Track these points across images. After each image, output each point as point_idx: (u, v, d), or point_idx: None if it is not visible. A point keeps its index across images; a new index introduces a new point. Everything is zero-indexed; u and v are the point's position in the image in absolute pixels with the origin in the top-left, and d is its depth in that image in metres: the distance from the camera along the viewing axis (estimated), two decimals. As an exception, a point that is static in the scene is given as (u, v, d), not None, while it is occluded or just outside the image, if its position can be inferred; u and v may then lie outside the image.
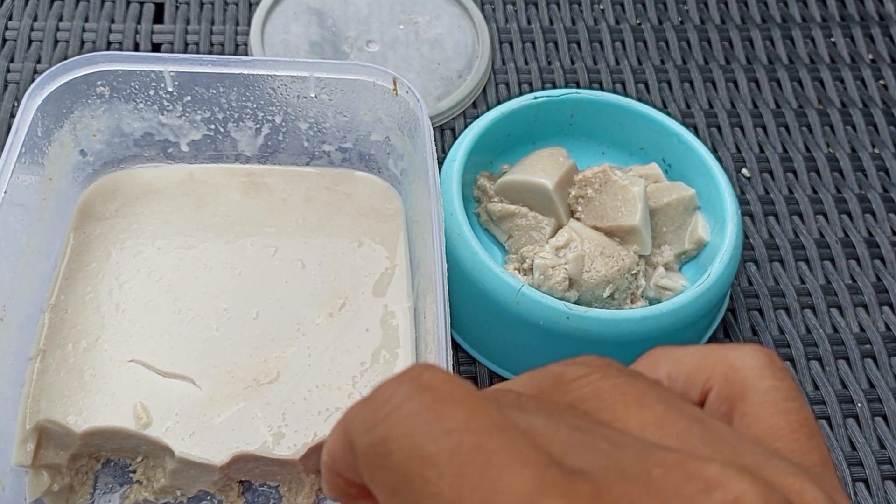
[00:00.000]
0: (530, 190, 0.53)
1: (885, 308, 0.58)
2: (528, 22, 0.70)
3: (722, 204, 0.53)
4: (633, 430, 0.20)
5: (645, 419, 0.20)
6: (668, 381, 0.24)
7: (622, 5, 0.71)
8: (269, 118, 0.53)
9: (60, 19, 0.66)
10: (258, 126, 0.53)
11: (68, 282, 0.49)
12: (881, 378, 0.55)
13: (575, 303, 0.49)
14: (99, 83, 0.50)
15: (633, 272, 0.51)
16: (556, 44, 0.68)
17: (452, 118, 0.63)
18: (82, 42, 0.65)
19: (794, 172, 0.64)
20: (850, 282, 0.59)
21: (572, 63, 0.68)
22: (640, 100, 0.64)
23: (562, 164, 0.54)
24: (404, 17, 0.68)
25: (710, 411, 0.23)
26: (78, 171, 0.52)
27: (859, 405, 0.54)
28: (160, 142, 0.54)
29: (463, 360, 0.54)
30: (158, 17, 0.67)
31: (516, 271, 0.51)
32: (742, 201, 0.62)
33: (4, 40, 0.64)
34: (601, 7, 0.71)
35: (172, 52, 0.65)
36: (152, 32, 0.66)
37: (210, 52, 0.65)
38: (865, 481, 0.51)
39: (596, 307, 0.49)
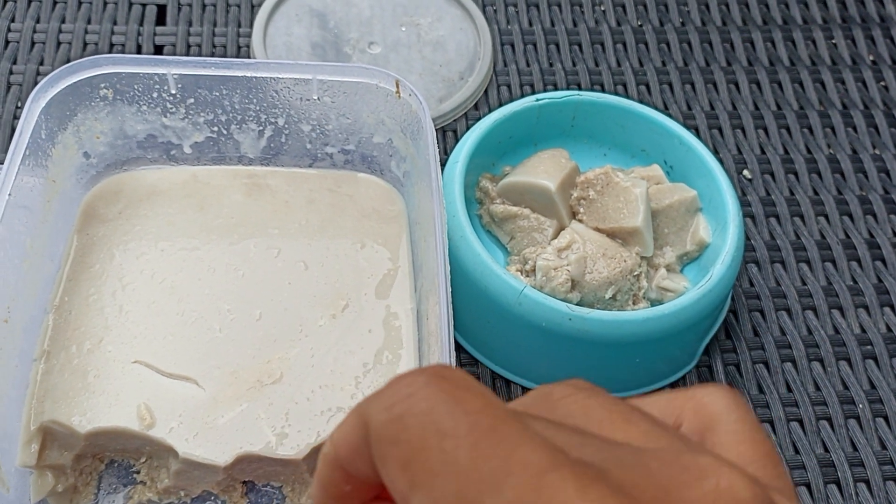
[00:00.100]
0: (532, 191, 0.53)
1: (886, 309, 0.58)
2: (530, 24, 0.70)
3: (723, 205, 0.53)
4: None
5: (631, 434, 0.21)
6: None
7: (623, 7, 0.72)
8: (272, 120, 0.53)
9: (63, 21, 0.66)
10: (261, 128, 0.54)
11: (72, 283, 0.49)
12: (882, 379, 0.55)
13: (577, 304, 0.50)
14: (102, 85, 0.50)
15: (635, 274, 0.52)
16: (557, 45, 0.69)
17: (454, 120, 0.64)
18: (85, 44, 0.65)
19: (796, 174, 0.64)
20: (852, 283, 0.59)
21: (574, 65, 0.68)
22: (641, 101, 0.65)
23: (564, 165, 0.54)
24: (406, 18, 0.68)
25: None
26: (81, 173, 0.53)
27: (860, 406, 0.54)
28: (163, 144, 0.54)
29: (465, 361, 0.54)
30: (161, 19, 0.67)
31: (518, 273, 0.52)
32: (743, 203, 0.62)
33: (7, 42, 0.65)
34: (602, 9, 0.71)
35: (174, 53, 0.65)
36: (154, 34, 0.66)
37: (212, 54, 0.66)
38: (867, 482, 0.51)
39: (598, 309, 0.50)
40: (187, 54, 0.65)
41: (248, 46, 0.66)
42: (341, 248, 0.52)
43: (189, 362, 0.46)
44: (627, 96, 0.66)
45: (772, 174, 0.64)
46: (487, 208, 0.55)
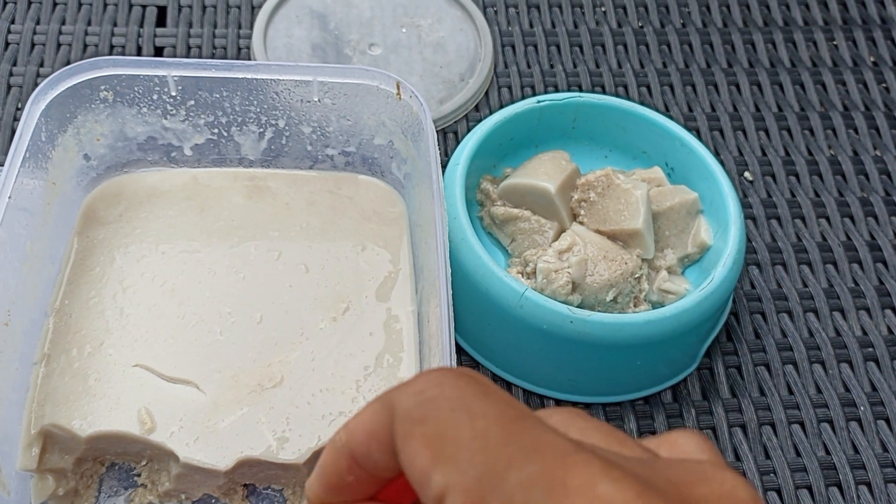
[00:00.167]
0: (533, 194, 0.53)
1: (888, 311, 0.58)
2: (531, 25, 0.70)
3: (724, 207, 0.53)
4: None
5: (627, 454, 0.23)
6: None
7: (624, 9, 0.71)
8: (273, 122, 0.53)
9: (63, 23, 0.66)
10: (261, 130, 0.54)
11: (72, 286, 0.49)
12: (884, 381, 0.55)
13: (578, 307, 0.50)
14: (102, 88, 0.50)
15: (636, 276, 0.51)
16: (558, 47, 0.69)
17: (455, 121, 0.64)
18: (85, 45, 0.65)
19: (797, 176, 0.64)
20: (853, 285, 0.59)
21: (575, 66, 0.68)
22: (642, 103, 0.64)
23: (564, 167, 0.54)
24: (406, 20, 0.68)
25: None
26: (82, 176, 0.52)
27: (862, 408, 0.54)
28: (164, 146, 0.54)
29: (466, 363, 0.54)
30: (161, 21, 0.67)
31: (519, 275, 0.52)
32: (744, 204, 0.62)
33: (7, 44, 0.64)
34: (603, 10, 0.71)
35: (175, 55, 0.65)
36: (155, 36, 0.66)
37: (212, 56, 0.66)
38: (868, 484, 0.51)
39: (599, 311, 0.49)
40: (187, 56, 0.65)
41: (248, 48, 0.66)
42: (342, 250, 0.52)
43: (190, 366, 0.46)
44: (628, 98, 0.66)
45: (773, 176, 0.64)
46: (488, 210, 0.55)
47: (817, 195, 0.63)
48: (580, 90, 0.66)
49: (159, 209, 0.52)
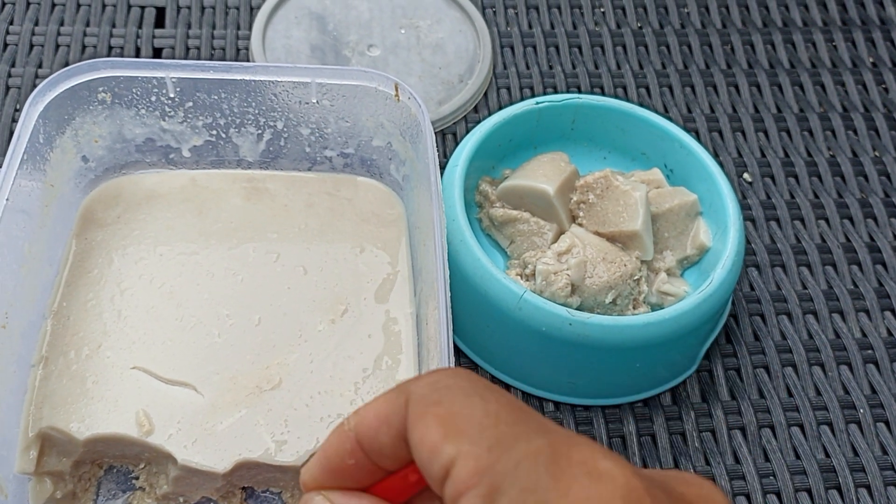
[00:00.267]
0: (532, 195, 0.53)
1: (887, 313, 0.58)
2: (530, 26, 0.70)
3: (724, 209, 0.53)
4: None
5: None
6: None
7: (623, 9, 0.71)
8: (271, 124, 0.53)
9: (61, 24, 0.66)
10: (260, 132, 0.53)
11: (70, 288, 0.49)
12: (883, 384, 0.55)
13: (577, 309, 0.49)
14: (101, 89, 0.50)
15: (636, 278, 0.51)
16: (557, 48, 0.68)
17: (454, 123, 0.63)
18: (83, 47, 0.65)
19: (796, 177, 0.64)
20: (852, 287, 0.59)
21: (574, 68, 0.68)
22: (641, 105, 0.64)
23: (563, 169, 0.54)
24: (405, 21, 0.68)
25: None
26: (80, 177, 0.52)
27: (861, 411, 0.54)
28: (162, 147, 0.54)
29: (465, 365, 0.54)
30: (160, 22, 0.67)
31: (518, 277, 0.51)
32: (744, 206, 0.62)
33: (6, 45, 0.64)
34: (602, 11, 0.71)
35: (173, 56, 0.65)
36: (153, 37, 0.66)
37: (211, 57, 0.65)
38: (868, 487, 0.51)
39: (598, 313, 0.49)
40: (186, 57, 0.65)
41: (247, 49, 0.66)
42: (340, 252, 0.52)
43: (188, 368, 0.46)
44: (627, 99, 0.66)
45: (772, 177, 0.64)
46: (487, 212, 0.55)
47: (816, 196, 0.63)
48: (579, 91, 0.66)
49: (157, 211, 0.52)
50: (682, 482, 0.24)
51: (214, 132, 0.53)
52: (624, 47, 0.69)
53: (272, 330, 0.48)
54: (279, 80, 0.51)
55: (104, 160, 0.53)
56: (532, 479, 0.22)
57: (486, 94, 0.65)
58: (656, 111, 0.65)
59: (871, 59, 0.71)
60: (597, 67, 0.68)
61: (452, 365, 0.42)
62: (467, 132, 0.58)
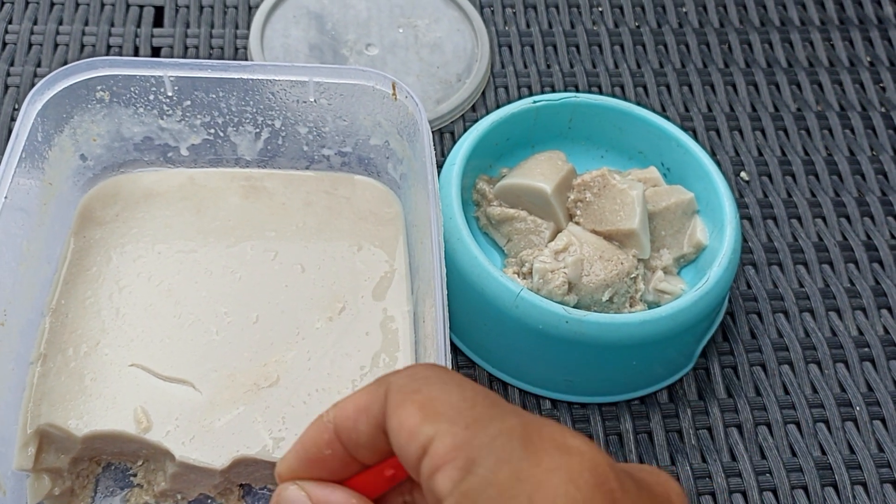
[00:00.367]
0: (529, 194, 0.53)
1: (884, 311, 0.58)
2: (528, 25, 0.70)
3: (721, 207, 0.53)
4: None
5: None
6: None
7: (621, 9, 0.72)
8: (269, 122, 0.53)
9: (60, 23, 0.66)
10: (258, 130, 0.54)
11: (69, 286, 0.49)
12: (880, 382, 0.55)
13: (574, 307, 0.50)
14: (99, 88, 0.50)
15: (632, 276, 0.52)
16: (555, 47, 0.69)
17: (451, 122, 0.64)
18: (82, 45, 0.65)
19: (793, 176, 0.64)
20: (849, 285, 0.59)
21: (571, 67, 0.68)
22: (638, 103, 0.65)
23: (560, 167, 0.54)
24: (403, 20, 0.68)
25: None
26: (78, 176, 0.53)
27: (858, 409, 0.54)
28: (160, 146, 0.54)
29: (462, 363, 0.54)
30: (158, 21, 0.67)
31: (515, 275, 0.52)
32: (741, 205, 0.62)
33: (4, 44, 0.64)
34: (600, 10, 0.71)
35: (172, 55, 0.65)
36: (152, 36, 0.66)
37: (209, 56, 0.66)
38: (864, 485, 0.51)
39: (595, 311, 0.50)
40: (185, 56, 0.65)
41: (245, 48, 0.66)
42: (338, 250, 0.52)
43: (186, 365, 0.46)
44: (625, 98, 0.66)
45: (769, 176, 0.64)
46: (484, 210, 0.55)
47: (813, 195, 0.63)
48: (577, 90, 0.66)
49: (156, 209, 0.52)
50: (641, 470, 0.27)
51: (212, 131, 0.53)
52: (621, 46, 0.69)
53: (270, 327, 0.48)
54: (277, 78, 0.51)
55: (102, 158, 0.53)
56: (507, 452, 0.24)
57: (483, 92, 0.66)
58: (654, 110, 0.65)
59: (868, 59, 0.71)
60: (594, 66, 0.68)
61: (449, 363, 0.42)
62: (465, 131, 0.58)
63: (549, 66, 0.68)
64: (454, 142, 0.62)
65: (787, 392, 0.54)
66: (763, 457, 0.52)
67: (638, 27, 0.71)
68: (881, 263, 0.60)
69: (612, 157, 0.59)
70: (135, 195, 0.53)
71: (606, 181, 0.53)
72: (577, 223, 0.53)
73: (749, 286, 0.58)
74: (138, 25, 0.66)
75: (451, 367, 0.42)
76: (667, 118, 0.61)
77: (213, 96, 0.52)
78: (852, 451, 0.52)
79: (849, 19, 0.73)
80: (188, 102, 0.52)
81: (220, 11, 0.68)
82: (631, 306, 0.52)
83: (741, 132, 0.66)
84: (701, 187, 0.55)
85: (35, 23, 0.66)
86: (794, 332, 0.56)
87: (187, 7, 0.68)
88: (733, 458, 0.52)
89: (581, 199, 0.53)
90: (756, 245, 0.60)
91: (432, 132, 0.58)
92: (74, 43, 0.65)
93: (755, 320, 0.57)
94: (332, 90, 0.52)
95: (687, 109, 0.66)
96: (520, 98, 0.63)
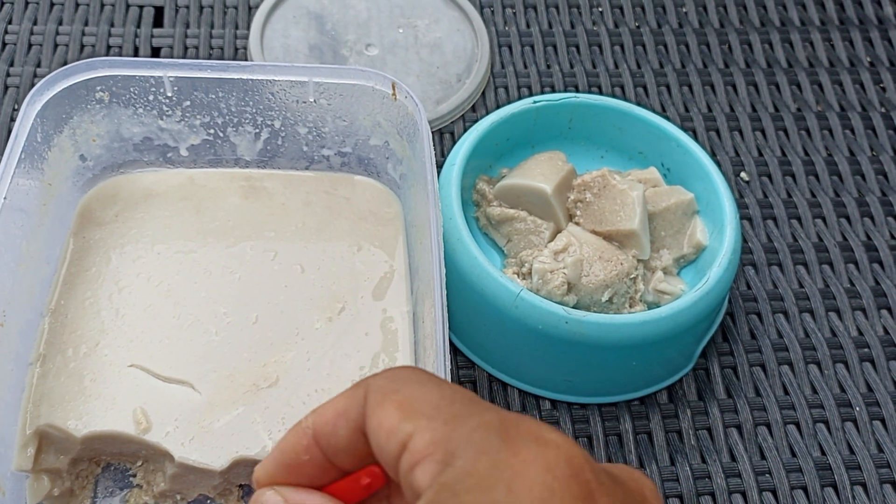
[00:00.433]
0: (529, 194, 0.53)
1: (884, 312, 0.58)
2: (528, 25, 0.70)
3: (721, 208, 0.53)
4: None
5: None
6: None
7: (621, 9, 0.71)
8: (269, 123, 0.53)
9: (60, 23, 0.66)
10: (257, 130, 0.54)
11: (68, 287, 0.49)
12: (879, 382, 0.55)
13: (573, 307, 0.50)
14: (98, 88, 0.50)
15: (632, 276, 0.51)
16: (555, 47, 0.69)
17: (451, 122, 0.64)
18: (82, 46, 0.65)
19: (793, 176, 0.64)
20: (849, 286, 0.59)
21: (571, 67, 0.68)
22: (638, 104, 0.65)
23: (560, 168, 0.54)
24: (403, 20, 0.68)
25: None
26: (78, 176, 0.52)
27: (857, 409, 0.54)
28: (160, 146, 0.54)
29: (462, 363, 0.54)
30: (158, 21, 0.67)
31: (515, 275, 0.52)
32: (741, 205, 0.62)
33: (4, 44, 0.64)
34: (600, 11, 0.71)
35: (172, 55, 0.65)
36: (152, 36, 0.66)
37: (209, 56, 0.66)
38: (864, 485, 0.51)
39: (594, 311, 0.50)
40: (184, 56, 0.65)
41: (245, 48, 0.66)
42: (338, 250, 0.52)
43: (185, 366, 0.46)
44: (625, 98, 0.66)
45: (769, 176, 0.64)
46: (484, 211, 0.55)
47: (813, 196, 0.63)
48: (577, 90, 0.66)
49: (155, 210, 0.52)
50: (615, 467, 0.27)
51: (212, 131, 0.53)
52: (622, 47, 0.69)
53: (269, 328, 0.48)
54: (277, 79, 0.51)
55: (102, 159, 0.53)
56: (485, 444, 0.25)
57: (483, 93, 0.66)
58: (654, 110, 0.65)
59: (868, 59, 0.71)
60: (594, 67, 0.68)
61: (449, 363, 0.42)
62: (465, 131, 0.58)
63: (549, 67, 0.68)
64: (454, 142, 0.62)
65: (786, 392, 0.54)
66: (763, 457, 0.52)
67: (638, 27, 0.71)
68: (881, 264, 0.60)
69: (612, 157, 0.59)
70: (134, 195, 0.53)
71: (606, 181, 0.53)
72: (577, 223, 0.53)
73: (749, 286, 0.58)
74: (138, 26, 0.66)
75: (450, 368, 0.43)
76: (667, 118, 0.61)
77: (213, 96, 0.52)
78: (852, 451, 0.52)
79: (849, 19, 0.73)
80: (188, 103, 0.52)
81: (220, 12, 0.68)
82: (631, 307, 0.52)
83: (741, 132, 0.66)
84: (701, 188, 0.55)
85: (35, 23, 0.66)
86: (793, 333, 0.56)
87: (187, 7, 0.68)
88: (733, 458, 0.52)
89: (581, 199, 0.53)
90: (756, 245, 0.60)
91: (432, 132, 0.58)
92: (74, 43, 0.65)
93: (755, 321, 0.57)
94: (332, 90, 0.52)
95: (687, 110, 0.66)
96: (520, 98, 0.63)
